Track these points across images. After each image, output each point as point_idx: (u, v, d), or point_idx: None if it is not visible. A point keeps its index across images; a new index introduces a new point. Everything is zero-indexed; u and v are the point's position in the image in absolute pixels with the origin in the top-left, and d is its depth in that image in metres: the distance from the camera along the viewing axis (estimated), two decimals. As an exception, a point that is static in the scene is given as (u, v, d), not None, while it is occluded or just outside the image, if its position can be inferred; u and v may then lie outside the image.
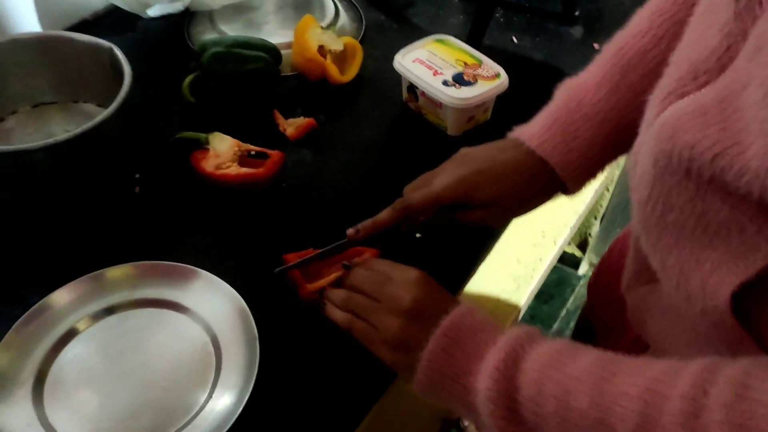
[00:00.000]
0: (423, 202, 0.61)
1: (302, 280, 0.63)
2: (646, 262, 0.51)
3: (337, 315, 0.57)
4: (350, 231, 0.63)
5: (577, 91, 0.61)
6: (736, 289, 0.36)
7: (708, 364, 0.38)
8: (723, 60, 0.38)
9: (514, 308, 1.00)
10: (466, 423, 1.33)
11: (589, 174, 0.62)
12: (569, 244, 1.77)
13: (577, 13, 1.01)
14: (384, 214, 0.63)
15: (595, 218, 1.72)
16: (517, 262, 1.06)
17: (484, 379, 0.46)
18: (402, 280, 0.55)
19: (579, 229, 1.56)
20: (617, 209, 1.67)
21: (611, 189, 1.64)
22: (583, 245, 1.84)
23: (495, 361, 0.46)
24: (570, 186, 0.62)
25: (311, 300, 0.62)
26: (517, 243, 1.07)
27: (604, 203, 1.68)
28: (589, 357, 0.44)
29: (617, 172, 1.58)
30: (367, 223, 0.63)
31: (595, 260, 1.83)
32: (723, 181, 0.35)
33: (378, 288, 0.56)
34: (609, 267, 0.80)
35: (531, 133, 0.61)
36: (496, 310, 1.00)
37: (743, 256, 0.36)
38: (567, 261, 1.84)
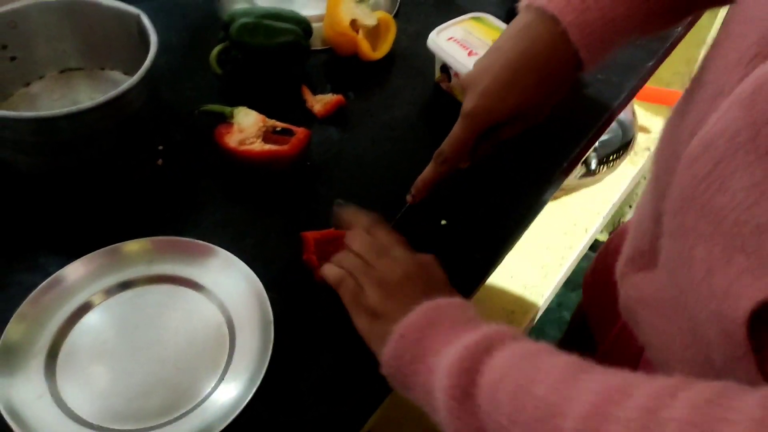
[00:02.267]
0: (453, 147, 0.60)
1: (317, 262, 0.61)
2: (647, 245, 0.47)
3: (328, 270, 0.57)
4: (409, 198, 0.63)
5: None
6: (756, 306, 0.33)
7: (685, 378, 0.35)
8: None
9: (539, 298, 0.97)
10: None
11: (608, 43, 0.53)
12: (602, 231, 1.72)
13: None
14: (428, 171, 0.62)
15: (630, 207, 1.67)
16: (546, 249, 1.02)
17: (449, 357, 0.43)
18: (401, 255, 0.55)
19: (612, 216, 1.51)
20: (653, 199, 1.62)
21: (648, 177, 1.58)
22: (615, 233, 1.79)
23: (467, 342, 0.43)
24: (583, 55, 0.53)
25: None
26: (547, 230, 1.03)
27: (640, 191, 1.63)
28: (564, 358, 0.41)
29: (656, 161, 1.52)
30: (418, 185, 0.62)
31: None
32: None
33: (375, 255, 0.55)
34: (605, 261, 0.77)
35: None
36: (522, 298, 0.97)
37: None
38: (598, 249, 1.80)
